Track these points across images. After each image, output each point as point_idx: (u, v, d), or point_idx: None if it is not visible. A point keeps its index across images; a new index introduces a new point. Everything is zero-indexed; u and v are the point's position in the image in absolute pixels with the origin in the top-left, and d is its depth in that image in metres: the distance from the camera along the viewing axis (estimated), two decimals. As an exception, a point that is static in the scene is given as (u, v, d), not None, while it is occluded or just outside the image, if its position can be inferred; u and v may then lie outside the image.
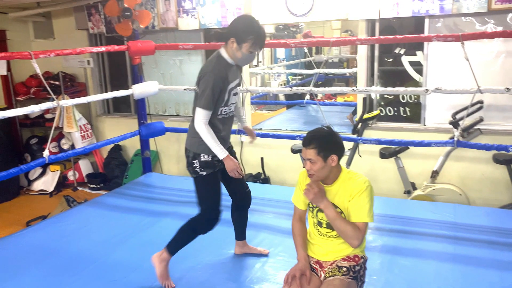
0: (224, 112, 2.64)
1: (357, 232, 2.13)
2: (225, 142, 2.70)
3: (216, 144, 2.55)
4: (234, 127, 4.47)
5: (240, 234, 3.02)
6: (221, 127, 2.66)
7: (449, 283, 2.59)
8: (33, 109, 3.49)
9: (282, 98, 7.89)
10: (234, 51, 2.54)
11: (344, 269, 2.21)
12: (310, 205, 2.32)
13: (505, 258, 2.85)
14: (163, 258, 2.70)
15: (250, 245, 3.05)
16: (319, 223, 2.28)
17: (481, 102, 3.95)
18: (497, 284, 2.55)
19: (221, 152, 2.56)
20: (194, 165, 2.64)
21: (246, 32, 2.49)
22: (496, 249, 2.98)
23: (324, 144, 2.14)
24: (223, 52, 2.59)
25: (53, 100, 3.66)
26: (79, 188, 5.84)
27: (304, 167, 2.26)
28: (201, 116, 2.53)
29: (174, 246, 2.72)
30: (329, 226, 2.24)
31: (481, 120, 3.95)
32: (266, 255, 3.01)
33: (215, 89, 2.51)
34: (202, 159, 2.62)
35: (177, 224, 3.54)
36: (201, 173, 2.64)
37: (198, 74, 2.61)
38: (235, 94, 2.69)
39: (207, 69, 2.56)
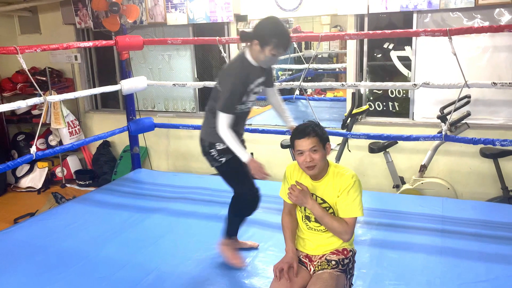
0: (240, 109, 2.65)
1: (346, 227, 2.16)
2: (238, 135, 2.71)
3: (238, 147, 2.55)
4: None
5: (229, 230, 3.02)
6: (234, 121, 2.66)
7: (437, 275, 2.62)
8: (20, 105, 3.44)
9: (271, 93, 7.88)
10: (257, 53, 2.53)
11: (333, 262, 2.22)
12: None
13: (491, 250, 2.89)
14: (226, 243, 2.80)
15: (240, 240, 3.05)
16: (308, 218, 2.28)
17: (468, 96, 3.99)
18: (483, 276, 2.59)
19: (244, 155, 2.55)
20: (212, 154, 2.69)
21: (270, 35, 2.46)
22: (483, 241, 3.01)
23: (320, 132, 2.19)
24: (247, 54, 2.58)
25: (40, 95, 3.61)
26: (68, 185, 5.79)
27: (295, 160, 2.26)
28: (223, 120, 2.54)
29: (229, 231, 2.85)
30: (318, 221, 2.25)
31: (468, 114, 3.99)
32: (256, 249, 3.01)
33: (236, 94, 2.54)
34: (218, 148, 2.66)
35: (166, 220, 3.56)
36: (220, 159, 2.68)
37: (221, 71, 2.64)
38: (255, 93, 2.69)
39: (230, 71, 2.59)
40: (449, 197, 3.97)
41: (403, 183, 4.37)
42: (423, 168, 4.24)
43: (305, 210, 2.28)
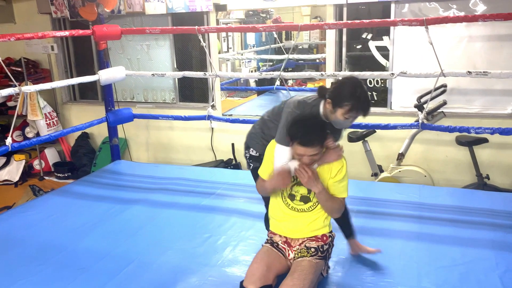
0: None
1: (341, 206, 2.32)
2: None
3: None
4: (203, 112, 4.44)
5: (346, 232, 2.77)
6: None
7: (414, 260, 2.67)
8: (-6, 96, 3.37)
9: (253, 84, 7.89)
10: (328, 112, 2.36)
11: (313, 249, 2.26)
12: None
13: (466, 235, 2.97)
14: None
15: (360, 244, 2.77)
16: (292, 196, 2.31)
17: (444, 86, 4.07)
18: (459, 260, 2.66)
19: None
20: (246, 155, 2.79)
21: (345, 98, 2.27)
22: (458, 227, 3.09)
23: (322, 136, 2.19)
24: (321, 106, 2.41)
25: (15, 86, 3.53)
26: (46, 178, 5.70)
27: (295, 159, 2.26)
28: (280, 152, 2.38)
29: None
30: (303, 199, 2.28)
31: (444, 103, 4.07)
32: (235, 240, 3.01)
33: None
34: (251, 153, 2.74)
35: (146, 211, 3.54)
36: (250, 164, 2.78)
37: (293, 101, 2.46)
38: None
39: (295, 112, 2.38)
40: (426, 184, 4.06)
41: (381, 171, 4.44)
42: (400, 157, 4.32)
43: (292, 189, 2.30)
